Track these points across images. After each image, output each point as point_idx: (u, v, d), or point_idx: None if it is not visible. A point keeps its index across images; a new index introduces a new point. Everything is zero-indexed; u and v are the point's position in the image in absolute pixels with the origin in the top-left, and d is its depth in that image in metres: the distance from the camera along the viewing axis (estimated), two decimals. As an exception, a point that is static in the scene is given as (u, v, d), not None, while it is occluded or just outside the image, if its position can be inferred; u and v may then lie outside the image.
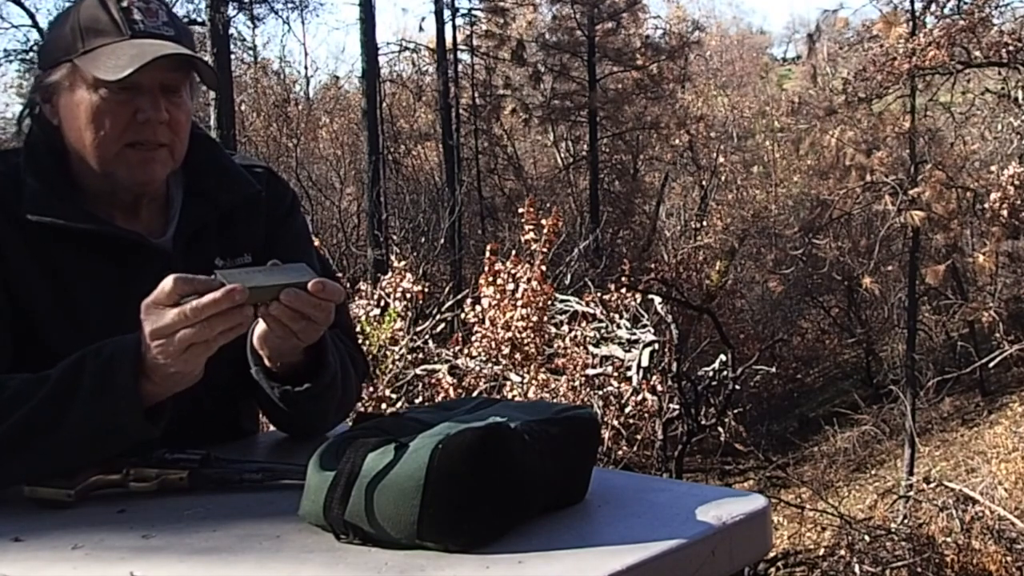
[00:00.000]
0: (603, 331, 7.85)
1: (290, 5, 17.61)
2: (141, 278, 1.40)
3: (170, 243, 1.45)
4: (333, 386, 1.39)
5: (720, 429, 8.12)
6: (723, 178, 21.36)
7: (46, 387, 1.18)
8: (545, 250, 8.37)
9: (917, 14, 13.11)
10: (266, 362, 1.35)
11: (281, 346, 1.30)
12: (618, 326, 7.86)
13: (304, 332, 1.23)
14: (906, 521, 8.57)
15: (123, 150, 1.37)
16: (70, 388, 1.17)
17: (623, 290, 8.60)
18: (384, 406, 6.59)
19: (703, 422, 7.18)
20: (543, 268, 8.15)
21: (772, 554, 7.58)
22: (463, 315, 8.30)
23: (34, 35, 14.66)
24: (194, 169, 1.50)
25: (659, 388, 7.20)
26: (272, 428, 1.58)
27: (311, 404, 1.38)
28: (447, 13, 17.96)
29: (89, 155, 1.38)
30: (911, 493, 9.51)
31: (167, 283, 1.12)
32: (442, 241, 13.58)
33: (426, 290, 8.32)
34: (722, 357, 7.49)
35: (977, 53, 12.22)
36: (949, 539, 7.61)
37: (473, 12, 18.67)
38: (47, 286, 1.37)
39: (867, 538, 7.54)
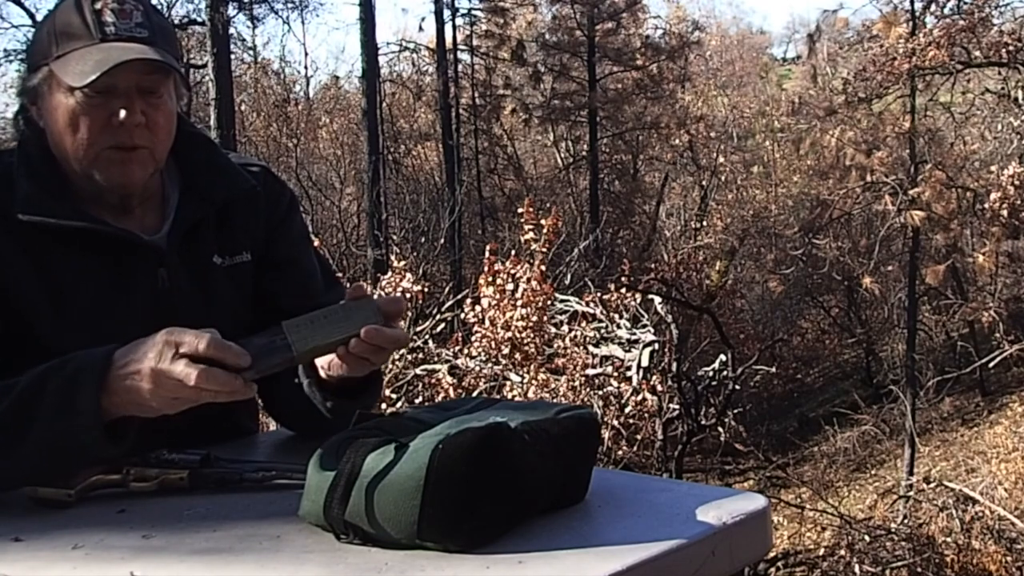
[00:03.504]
0: (603, 331, 7.85)
1: (290, 5, 17.61)
2: (135, 275, 1.41)
3: (164, 240, 1.45)
4: (378, 395, 1.43)
5: (720, 429, 8.13)
6: (723, 178, 21.33)
7: (9, 398, 1.17)
8: (545, 250, 8.37)
9: (917, 14, 13.10)
10: (321, 374, 1.35)
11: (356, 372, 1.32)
12: (618, 326, 7.86)
13: (378, 358, 1.25)
14: (906, 521, 8.56)
15: (101, 152, 1.36)
16: (32, 403, 1.15)
17: (623, 290, 8.60)
18: (384, 406, 6.58)
19: (703, 422, 7.19)
20: (543, 268, 8.15)
21: (772, 554, 7.57)
22: (463, 315, 8.30)
23: (34, 35, 14.66)
24: (190, 167, 1.50)
25: (659, 388, 7.20)
26: (272, 428, 1.58)
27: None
28: (447, 13, 17.97)
29: (70, 157, 1.38)
30: (911, 493, 9.50)
31: (202, 341, 1.10)
32: (442, 241, 13.57)
33: (426, 290, 8.33)
34: (722, 357, 7.49)
35: (977, 53, 12.22)
36: (949, 539, 7.60)
37: (473, 12, 18.69)
38: (41, 285, 1.36)
39: (867, 538, 7.53)
